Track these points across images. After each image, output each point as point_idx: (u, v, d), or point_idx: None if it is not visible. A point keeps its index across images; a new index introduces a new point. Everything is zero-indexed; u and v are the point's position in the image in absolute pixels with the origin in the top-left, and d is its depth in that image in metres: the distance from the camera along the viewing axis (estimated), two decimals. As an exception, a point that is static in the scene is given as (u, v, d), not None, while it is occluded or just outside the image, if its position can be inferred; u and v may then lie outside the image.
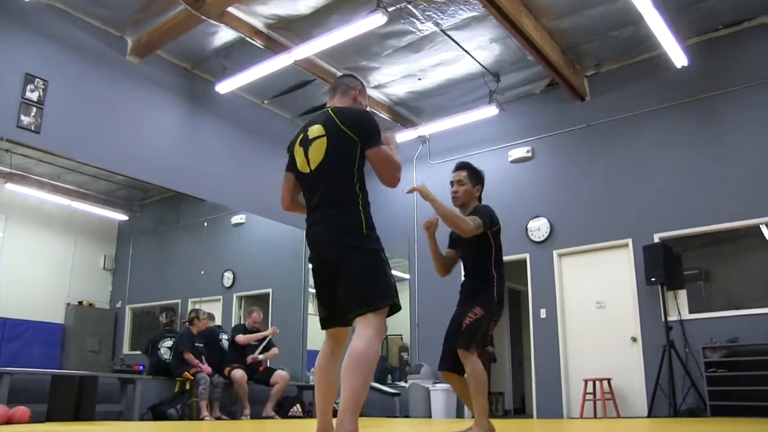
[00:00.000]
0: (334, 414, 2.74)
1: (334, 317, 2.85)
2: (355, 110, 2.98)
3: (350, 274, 2.68)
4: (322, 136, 2.85)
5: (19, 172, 7.72)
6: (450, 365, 3.96)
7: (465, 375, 3.88)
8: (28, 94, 7.21)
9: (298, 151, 2.95)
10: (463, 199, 4.19)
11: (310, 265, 2.92)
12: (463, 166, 4.32)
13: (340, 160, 2.81)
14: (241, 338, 8.29)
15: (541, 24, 7.91)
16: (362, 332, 2.60)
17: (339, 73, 9.16)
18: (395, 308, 2.73)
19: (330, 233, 2.76)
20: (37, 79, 7.31)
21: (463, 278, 4.36)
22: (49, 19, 7.57)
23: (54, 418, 6.20)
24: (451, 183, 4.25)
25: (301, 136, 2.97)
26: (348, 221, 2.75)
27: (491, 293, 3.95)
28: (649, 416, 7.50)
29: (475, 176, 4.28)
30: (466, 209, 4.13)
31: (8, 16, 7.20)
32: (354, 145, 2.81)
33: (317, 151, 2.85)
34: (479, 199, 4.29)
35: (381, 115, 10.06)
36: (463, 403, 3.98)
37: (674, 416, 7.25)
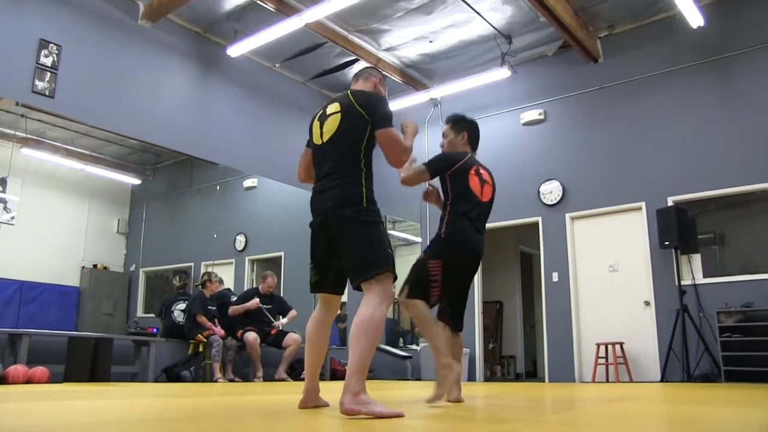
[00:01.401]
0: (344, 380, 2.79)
1: (324, 282, 3.05)
2: (371, 93, 3.16)
3: (351, 244, 2.83)
4: (338, 112, 3.03)
5: (34, 137, 7.76)
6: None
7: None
8: (42, 60, 7.21)
9: (316, 125, 3.14)
10: (447, 150, 4.16)
11: (311, 230, 3.06)
12: (447, 120, 4.28)
13: (349, 135, 2.97)
14: (233, 309, 8.28)
15: (555, -16, 7.78)
16: (367, 299, 2.74)
17: (350, 36, 9.09)
18: (394, 277, 2.88)
19: (332, 203, 2.88)
20: (51, 45, 7.30)
21: None
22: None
23: (71, 378, 6.32)
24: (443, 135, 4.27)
25: (320, 112, 3.15)
26: (350, 193, 2.88)
27: (438, 234, 3.90)
28: (662, 381, 7.53)
29: (458, 125, 4.18)
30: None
31: (18, -21, 7.17)
32: (364, 123, 2.96)
33: (331, 125, 3.02)
34: (471, 144, 4.24)
35: (392, 77, 9.98)
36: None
37: (688, 381, 7.27)
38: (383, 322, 2.72)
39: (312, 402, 3.07)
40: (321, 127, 3.10)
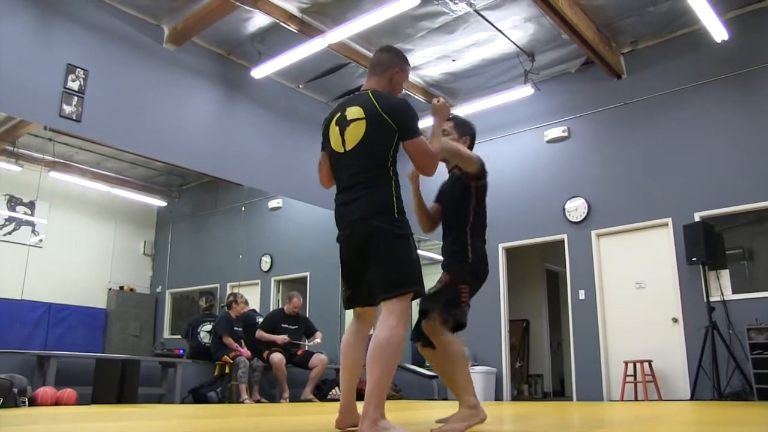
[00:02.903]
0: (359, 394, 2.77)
1: (358, 297, 2.92)
2: (395, 99, 2.96)
3: (379, 257, 2.69)
4: (362, 119, 2.83)
5: (61, 161, 7.89)
6: (424, 338, 3.38)
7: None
8: (70, 84, 7.33)
9: (333, 130, 2.94)
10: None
11: (338, 243, 2.93)
12: (450, 117, 3.67)
13: (377, 144, 2.81)
14: (259, 334, 8.24)
15: (575, 1, 7.77)
16: (385, 320, 2.63)
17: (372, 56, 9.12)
18: (418, 294, 2.76)
19: (360, 214, 2.74)
20: (78, 69, 7.42)
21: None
22: (89, 11, 7.67)
23: (99, 400, 6.35)
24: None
25: (338, 115, 2.95)
26: (379, 203, 2.74)
27: (464, 257, 3.55)
28: (692, 399, 7.40)
29: (461, 127, 3.73)
30: (450, 164, 3.67)
31: (51, 9, 7.33)
32: (392, 132, 2.80)
33: (355, 133, 2.84)
34: None
35: (416, 97, 10.00)
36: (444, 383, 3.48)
37: (719, 399, 7.13)
38: (402, 344, 2.61)
39: (350, 420, 2.89)
40: (342, 134, 2.90)
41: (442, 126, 3.09)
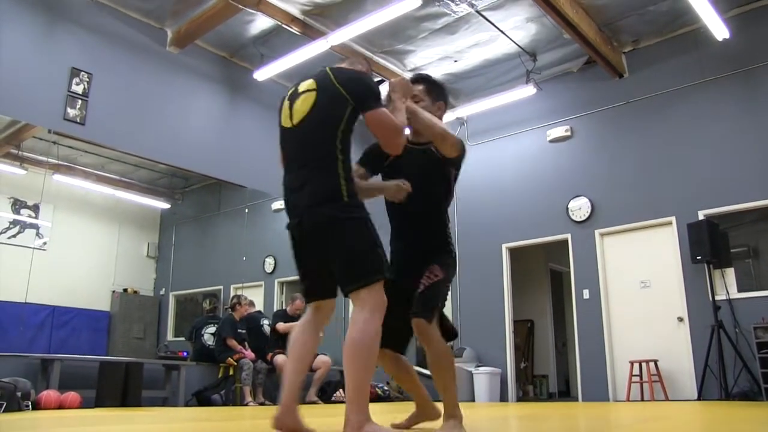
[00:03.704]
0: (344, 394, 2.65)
1: (317, 289, 2.66)
2: (354, 71, 2.74)
3: (337, 247, 2.45)
4: (312, 90, 2.60)
5: (65, 164, 7.91)
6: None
7: (401, 352, 3.18)
8: (74, 87, 7.35)
9: (285, 105, 2.70)
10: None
11: (288, 232, 2.64)
12: (419, 79, 3.25)
13: (325, 118, 2.55)
14: (281, 326, 8.30)
15: (576, 1, 7.76)
16: (357, 316, 2.40)
17: (375, 57, 9.14)
18: (387, 279, 2.48)
19: (307, 201, 2.49)
20: (82, 73, 7.44)
21: (395, 229, 3.17)
22: (93, 14, 7.69)
23: (102, 403, 6.35)
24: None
25: (291, 90, 2.71)
26: (327, 188, 2.48)
27: (449, 249, 3.12)
28: (699, 399, 7.36)
29: (436, 91, 3.21)
30: (421, 137, 3.07)
31: (56, 12, 7.35)
32: (344, 105, 2.54)
33: (303, 105, 2.59)
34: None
35: (418, 98, 10.00)
36: (402, 388, 3.28)
37: (726, 399, 7.08)
38: (378, 337, 2.39)
39: (289, 421, 2.51)
40: (291, 107, 2.64)
41: (404, 103, 2.79)
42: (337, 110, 2.54)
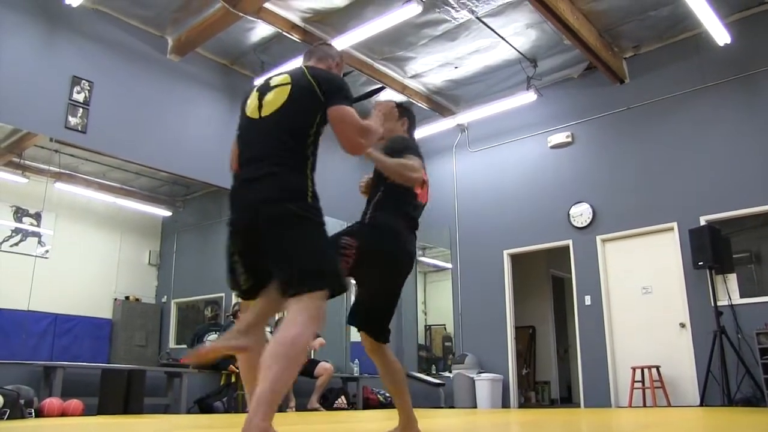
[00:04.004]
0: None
1: (263, 285, 2.46)
2: (330, 71, 2.66)
3: (288, 246, 2.30)
4: (287, 84, 2.50)
5: (67, 172, 7.92)
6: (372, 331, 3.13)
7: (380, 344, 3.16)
8: (75, 96, 7.37)
9: (253, 96, 2.59)
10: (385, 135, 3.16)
11: (230, 228, 2.47)
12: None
13: (298, 113, 2.44)
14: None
15: (577, 7, 7.79)
16: (294, 317, 2.23)
17: (376, 64, 9.16)
18: (335, 293, 2.35)
19: (267, 194, 2.34)
20: (83, 81, 7.46)
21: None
22: (94, 23, 7.73)
23: (105, 411, 6.35)
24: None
25: (262, 83, 2.62)
26: (293, 184, 2.36)
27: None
28: (701, 405, 7.35)
29: (400, 108, 3.42)
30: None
31: (57, 21, 7.38)
32: (317, 102, 2.44)
33: (276, 98, 2.48)
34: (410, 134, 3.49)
35: (419, 104, 10.01)
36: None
37: (729, 405, 7.06)
38: (307, 347, 2.24)
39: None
40: (260, 99, 2.52)
41: (380, 123, 2.75)
42: (309, 108, 2.44)
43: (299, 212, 2.31)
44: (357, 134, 2.45)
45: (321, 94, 2.44)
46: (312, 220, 2.34)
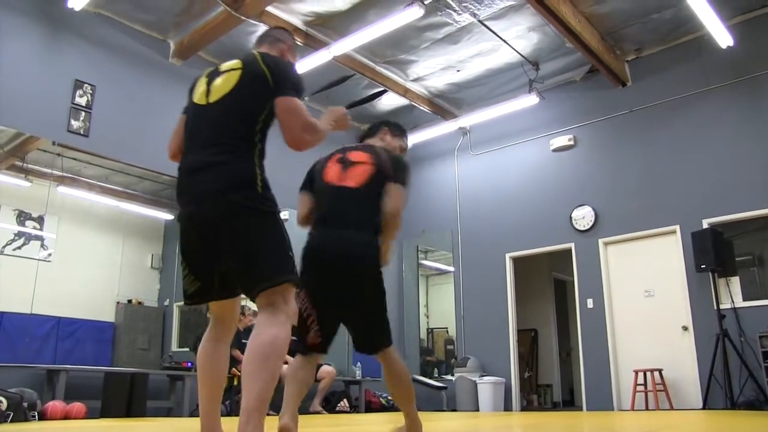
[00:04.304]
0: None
1: (210, 290, 2.33)
2: (283, 60, 2.53)
3: (245, 241, 2.15)
4: (238, 69, 2.38)
5: (69, 175, 7.92)
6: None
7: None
8: (78, 100, 7.40)
9: (201, 82, 2.48)
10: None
11: (178, 223, 2.32)
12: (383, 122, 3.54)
13: (247, 99, 2.31)
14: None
15: (579, 10, 7.79)
16: (270, 318, 2.13)
17: (378, 68, 9.18)
18: (296, 283, 2.25)
19: (215, 186, 2.19)
20: (86, 85, 7.48)
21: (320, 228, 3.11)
22: (97, 27, 7.75)
23: (108, 414, 6.36)
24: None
25: (211, 69, 2.52)
26: (241, 174, 2.23)
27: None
28: (704, 408, 7.34)
29: (395, 128, 3.51)
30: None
31: (59, 25, 7.40)
32: (267, 89, 2.31)
33: (225, 83, 2.36)
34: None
35: (421, 107, 10.04)
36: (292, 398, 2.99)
37: (731, 409, 7.06)
38: (287, 346, 2.13)
39: None
40: (209, 84, 2.41)
41: (329, 126, 2.62)
42: (260, 94, 2.31)
43: (249, 204, 2.18)
44: (301, 129, 2.30)
45: (273, 83, 2.30)
46: (264, 211, 2.21)
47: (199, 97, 2.42)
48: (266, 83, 2.30)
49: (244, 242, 2.15)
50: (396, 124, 3.49)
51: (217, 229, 2.17)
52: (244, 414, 1.99)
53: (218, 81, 2.38)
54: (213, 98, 2.35)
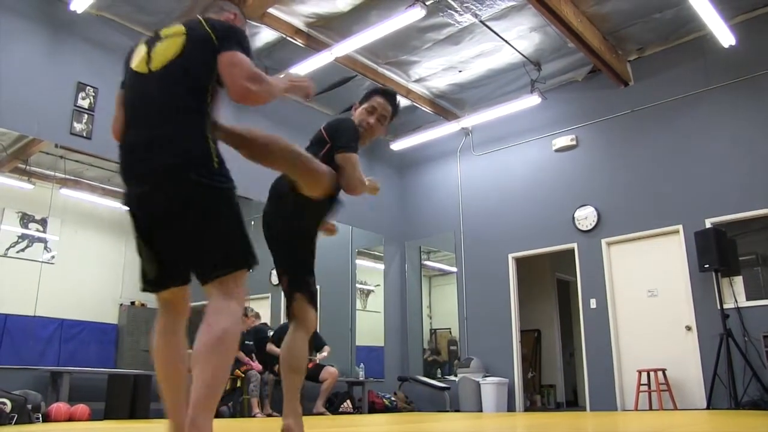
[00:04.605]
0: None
1: (171, 274, 2.15)
2: (230, 23, 2.33)
3: (200, 221, 1.99)
4: (182, 34, 2.15)
5: (72, 177, 7.93)
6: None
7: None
8: (80, 102, 7.42)
9: (140, 50, 2.22)
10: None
11: (126, 207, 2.15)
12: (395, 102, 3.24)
13: (194, 65, 2.10)
14: (270, 348, 8.18)
15: (580, 10, 7.79)
16: (221, 303, 1.98)
17: (380, 69, 9.18)
18: (254, 265, 2.11)
19: (165, 162, 1.99)
20: (88, 87, 7.50)
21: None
22: (99, 29, 7.76)
23: (111, 415, 6.37)
24: (381, 117, 3.14)
25: (149, 36, 2.28)
26: (193, 149, 2.02)
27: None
28: (708, 408, 7.32)
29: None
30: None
31: (62, 28, 7.42)
32: (213, 53, 2.10)
33: (168, 49, 2.13)
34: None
35: (423, 108, 10.04)
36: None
37: (736, 408, 7.04)
38: (238, 338, 2.01)
39: None
40: (149, 52, 2.16)
41: (285, 89, 2.45)
42: (207, 58, 2.09)
43: (205, 181, 1.99)
44: (245, 78, 2.07)
45: (216, 39, 2.11)
46: (220, 189, 2.04)
47: (138, 63, 2.16)
48: (212, 46, 2.10)
49: (199, 224, 1.98)
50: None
51: (170, 210, 1.99)
52: (194, 406, 1.85)
53: (160, 46, 2.14)
54: (155, 65, 2.11)
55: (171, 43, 2.13)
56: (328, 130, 2.95)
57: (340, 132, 2.92)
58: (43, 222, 7.66)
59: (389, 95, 3.18)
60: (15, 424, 5.21)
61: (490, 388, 8.99)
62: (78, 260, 8.23)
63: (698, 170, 8.21)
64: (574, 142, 9.43)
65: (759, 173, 7.75)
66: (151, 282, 2.19)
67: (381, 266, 10.98)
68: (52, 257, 7.71)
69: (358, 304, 10.47)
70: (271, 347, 8.12)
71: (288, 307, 2.91)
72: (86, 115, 7.42)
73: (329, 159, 2.84)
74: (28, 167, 7.54)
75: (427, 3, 7.27)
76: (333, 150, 2.86)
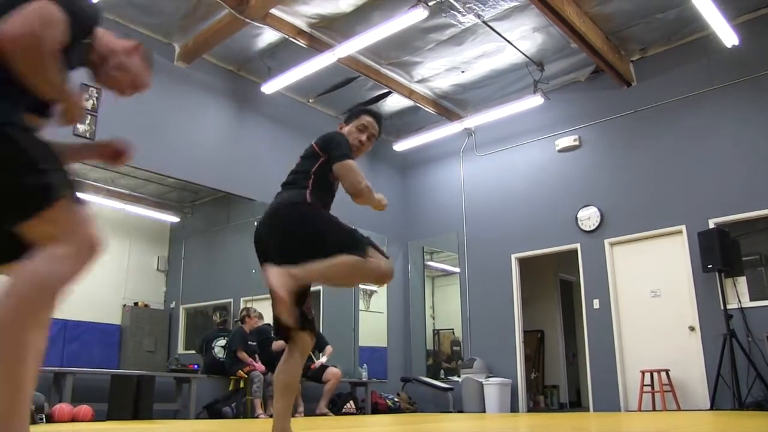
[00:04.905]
0: None
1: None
2: None
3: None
4: None
5: (76, 179, 7.95)
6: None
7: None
8: (83, 103, 7.41)
9: None
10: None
11: None
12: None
13: None
14: (276, 346, 8.15)
15: (583, 10, 7.78)
16: (51, 248, 1.61)
17: (382, 69, 9.18)
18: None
19: None
20: (91, 88, 7.50)
21: None
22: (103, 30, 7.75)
23: (114, 416, 6.37)
24: (371, 135, 3.18)
25: None
26: None
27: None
28: (711, 409, 7.31)
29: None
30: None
31: (61, 27, 7.41)
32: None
33: None
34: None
35: (426, 108, 10.03)
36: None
37: (739, 409, 7.02)
38: (59, 292, 1.59)
39: None
40: None
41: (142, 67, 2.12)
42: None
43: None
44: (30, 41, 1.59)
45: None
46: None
47: None
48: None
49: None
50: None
51: None
52: None
53: None
54: None
55: None
56: (320, 144, 2.99)
57: (334, 144, 2.96)
58: (47, 223, 7.68)
59: (377, 116, 3.25)
60: (18, 424, 5.22)
61: (493, 388, 8.98)
62: (81, 261, 8.26)
63: (701, 170, 8.20)
64: (576, 143, 9.42)
65: (762, 173, 7.73)
66: None
67: (384, 267, 10.91)
68: (56, 258, 7.73)
69: (361, 305, 10.47)
70: (276, 344, 8.08)
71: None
72: (89, 117, 7.43)
73: (324, 172, 2.92)
74: (31, 168, 7.56)
75: (430, 3, 7.27)
76: (328, 163, 2.91)
